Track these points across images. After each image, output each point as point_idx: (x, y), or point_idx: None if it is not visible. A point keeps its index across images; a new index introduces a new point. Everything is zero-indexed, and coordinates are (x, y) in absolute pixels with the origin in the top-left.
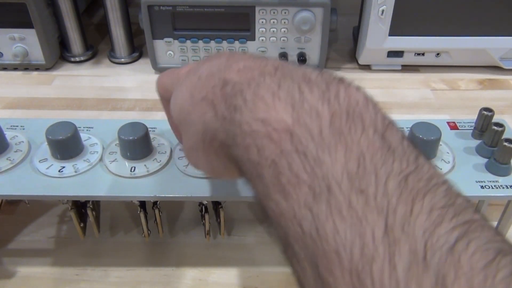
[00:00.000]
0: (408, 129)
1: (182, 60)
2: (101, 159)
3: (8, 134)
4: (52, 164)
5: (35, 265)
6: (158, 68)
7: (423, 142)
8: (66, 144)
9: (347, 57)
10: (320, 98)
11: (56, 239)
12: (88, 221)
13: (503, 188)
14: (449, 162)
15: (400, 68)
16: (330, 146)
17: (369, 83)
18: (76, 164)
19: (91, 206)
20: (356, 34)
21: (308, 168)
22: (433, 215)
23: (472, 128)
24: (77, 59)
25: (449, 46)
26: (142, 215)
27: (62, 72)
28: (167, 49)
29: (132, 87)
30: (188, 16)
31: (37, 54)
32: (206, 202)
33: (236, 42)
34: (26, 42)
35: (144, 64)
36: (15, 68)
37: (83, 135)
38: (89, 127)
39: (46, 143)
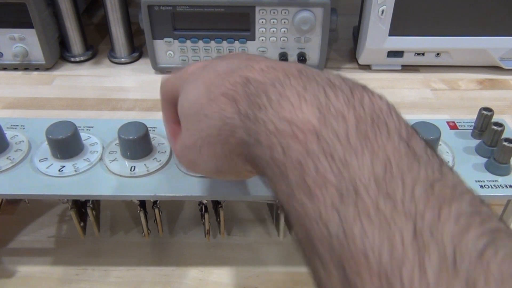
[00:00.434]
0: None
1: (182, 60)
2: (101, 159)
3: (8, 134)
4: (52, 164)
5: (35, 265)
6: (158, 68)
7: None
8: (66, 144)
9: (347, 57)
10: (345, 103)
11: (56, 238)
12: (88, 221)
13: (503, 187)
14: (448, 161)
15: (400, 68)
16: (356, 149)
17: (369, 83)
18: (76, 164)
19: (91, 206)
20: (356, 34)
21: (335, 169)
22: (461, 222)
23: (472, 127)
24: (77, 59)
25: (449, 46)
26: (142, 215)
27: (62, 72)
28: (167, 49)
29: (132, 87)
30: (188, 16)
31: (37, 54)
32: (206, 201)
33: (236, 42)
34: (26, 42)
35: (144, 64)
36: (15, 68)
37: (83, 135)
38: (89, 127)
39: (46, 142)
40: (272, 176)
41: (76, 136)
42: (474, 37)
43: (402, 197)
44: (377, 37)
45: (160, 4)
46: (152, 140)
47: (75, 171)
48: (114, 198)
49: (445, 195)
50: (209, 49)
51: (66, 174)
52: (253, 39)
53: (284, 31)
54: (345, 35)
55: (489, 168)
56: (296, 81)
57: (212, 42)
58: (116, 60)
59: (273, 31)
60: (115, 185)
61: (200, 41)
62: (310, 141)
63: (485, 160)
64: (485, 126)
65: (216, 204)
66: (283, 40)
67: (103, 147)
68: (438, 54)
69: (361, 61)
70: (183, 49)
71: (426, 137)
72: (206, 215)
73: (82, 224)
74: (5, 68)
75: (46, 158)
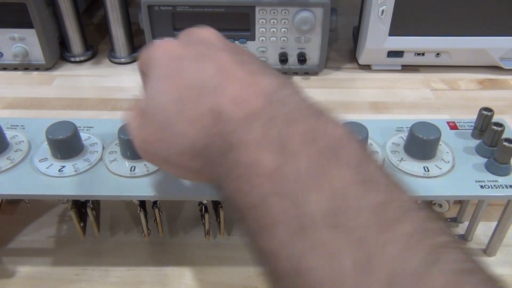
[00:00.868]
0: (408, 129)
1: None
2: (101, 159)
3: (8, 134)
4: (52, 164)
5: (35, 265)
6: None
7: (423, 142)
8: (66, 144)
9: (347, 57)
10: (303, 142)
11: (56, 238)
12: (88, 221)
13: (503, 187)
14: (448, 162)
15: (400, 68)
16: (308, 187)
17: (369, 83)
18: (76, 164)
19: (91, 206)
20: (356, 34)
21: (287, 209)
22: (404, 242)
23: (472, 128)
24: (77, 59)
25: (449, 46)
26: (142, 215)
27: (62, 72)
28: None
29: (132, 87)
30: (188, 16)
31: (37, 54)
32: (206, 201)
33: (236, 42)
34: (26, 42)
35: None
36: (15, 68)
37: (83, 135)
38: (89, 127)
39: (46, 142)
40: (238, 215)
41: (76, 136)
42: (474, 37)
43: (348, 227)
44: (377, 37)
45: (160, 4)
46: None
47: (75, 171)
48: (114, 198)
49: (393, 217)
50: None
51: (66, 174)
52: (253, 39)
53: (284, 31)
54: (345, 35)
55: (489, 168)
56: (258, 123)
57: None
58: (116, 60)
59: (273, 31)
60: (115, 185)
61: None
62: (266, 185)
63: (485, 160)
64: (485, 126)
65: (216, 204)
66: (283, 40)
67: (103, 147)
68: (438, 54)
69: (361, 61)
70: None
71: (426, 138)
72: (206, 215)
73: (82, 224)
74: (5, 68)
75: (46, 158)
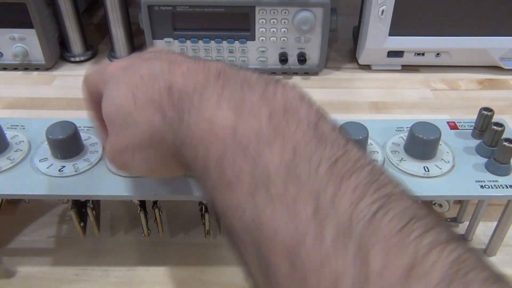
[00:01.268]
0: (408, 129)
1: None
2: (101, 159)
3: (9, 134)
4: (52, 164)
5: (35, 265)
6: None
7: (423, 142)
8: (66, 144)
9: (347, 57)
10: (260, 98)
11: (56, 238)
12: (88, 221)
13: (503, 187)
14: (449, 161)
15: (400, 68)
16: (269, 140)
17: (369, 83)
18: (76, 164)
19: (91, 206)
20: (356, 34)
21: (250, 161)
22: (357, 191)
23: (472, 128)
24: (77, 59)
25: (449, 46)
26: (142, 215)
27: (62, 72)
28: None
29: None
30: (188, 16)
31: (37, 54)
32: (206, 201)
33: (236, 42)
34: (26, 42)
35: None
36: (15, 68)
37: (83, 135)
38: (89, 127)
39: (46, 142)
40: (200, 175)
41: (76, 136)
42: (474, 37)
43: (308, 177)
44: (377, 37)
45: (160, 4)
46: None
47: (75, 171)
48: (114, 198)
49: (346, 170)
50: (209, 49)
51: (66, 174)
52: (253, 39)
53: (284, 31)
54: (345, 35)
55: (489, 168)
56: (215, 82)
57: (212, 42)
58: None
59: (273, 31)
60: (115, 185)
61: (200, 41)
62: (228, 138)
63: (485, 160)
64: (485, 126)
65: None
66: (283, 40)
67: (103, 147)
68: (438, 54)
69: (361, 61)
70: (183, 49)
71: (426, 138)
72: (206, 215)
73: (82, 224)
74: (5, 68)
75: (46, 158)
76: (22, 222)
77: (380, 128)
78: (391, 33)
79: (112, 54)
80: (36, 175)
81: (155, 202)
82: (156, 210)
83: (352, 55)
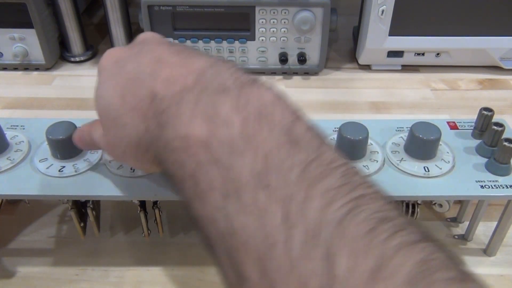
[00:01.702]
0: (408, 129)
1: None
2: (101, 159)
3: (8, 134)
4: (52, 164)
5: (35, 265)
6: None
7: (423, 142)
8: (66, 144)
9: (347, 57)
10: (233, 106)
11: (56, 238)
12: (88, 221)
13: (503, 188)
14: (449, 162)
15: (400, 68)
16: (241, 149)
17: (369, 83)
18: (76, 164)
19: (91, 206)
20: (356, 34)
21: (221, 175)
22: (328, 195)
23: (472, 128)
24: (77, 59)
25: (449, 46)
26: (142, 215)
27: (62, 72)
28: None
29: None
30: (188, 16)
31: (37, 54)
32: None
33: (236, 42)
34: (26, 42)
35: None
36: (15, 68)
37: None
38: None
39: (46, 142)
40: (178, 186)
41: None
42: (474, 37)
43: (276, 185)
44: (377, 37)
45: (160, 4)
46: None
47: (75, 171)
48: (114, 198)
49: (318, 173)
50: (209, 49)
51: (66, 175)
52: (253, 39)
53: (284, 31)
54: (345, 35)
55: (489, 168)
56: (190, 95)
57: (212, 42)
58: None
59: (273, 31)
60: (115, 185)
61: (200, 41)
62: (201, 152)
63: (485, 160)
64: (485, 126)
65: None
66: (283, 40)
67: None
68: (438, 54)
69: (361, 61)
70: None
71: (426, 138)
72: None
73: (82, 224)
74: (5, 68)
75: (46, 158)
76: (22, 222)
77: (380, 128)
78: (391, 33)
79: None
80: (36, 175)
81: (155, 202)
82: (156, 210)
83: (352, 55)
